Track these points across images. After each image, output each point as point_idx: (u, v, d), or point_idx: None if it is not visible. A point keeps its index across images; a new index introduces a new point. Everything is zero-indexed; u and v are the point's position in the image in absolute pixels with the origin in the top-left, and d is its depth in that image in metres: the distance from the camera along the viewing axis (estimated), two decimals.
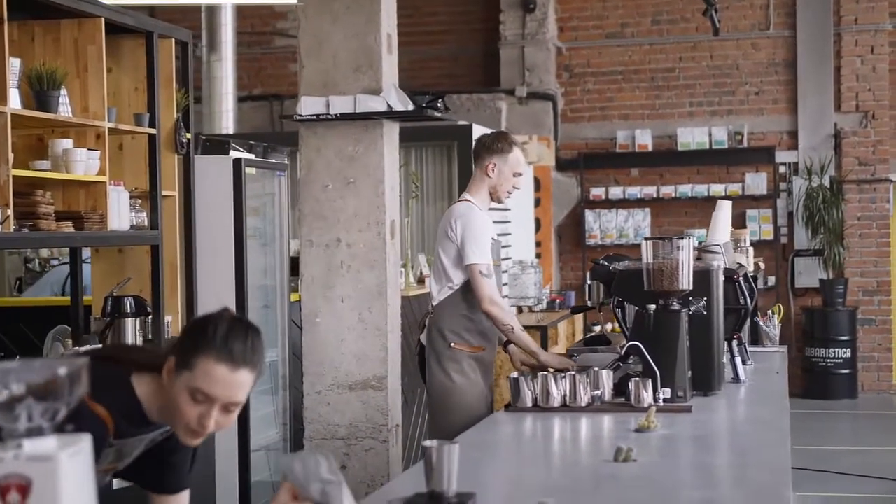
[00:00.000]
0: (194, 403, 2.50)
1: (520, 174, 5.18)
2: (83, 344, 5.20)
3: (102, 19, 5.14)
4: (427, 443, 2.69)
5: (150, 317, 5.52)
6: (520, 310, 10.05)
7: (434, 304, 5.14)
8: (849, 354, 12.05)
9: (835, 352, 12.03)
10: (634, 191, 12.68)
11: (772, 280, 12.36)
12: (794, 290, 12.53)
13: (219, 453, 5.92)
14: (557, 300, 10.65)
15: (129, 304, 5.38)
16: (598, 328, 10.34)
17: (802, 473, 8.24)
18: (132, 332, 5.37)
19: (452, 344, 5.03)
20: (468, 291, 5.04)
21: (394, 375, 5.62)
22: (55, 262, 8.45)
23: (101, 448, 2.56)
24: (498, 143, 5.15)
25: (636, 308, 4.46)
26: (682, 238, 4.33)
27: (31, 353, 5.71)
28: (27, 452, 1.71)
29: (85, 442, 1.78)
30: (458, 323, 5.05)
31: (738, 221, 12.06)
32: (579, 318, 10.63)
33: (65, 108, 4.92)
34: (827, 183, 12.18)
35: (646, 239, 4.38)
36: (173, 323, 5.77)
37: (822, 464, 8.78)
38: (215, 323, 2.53)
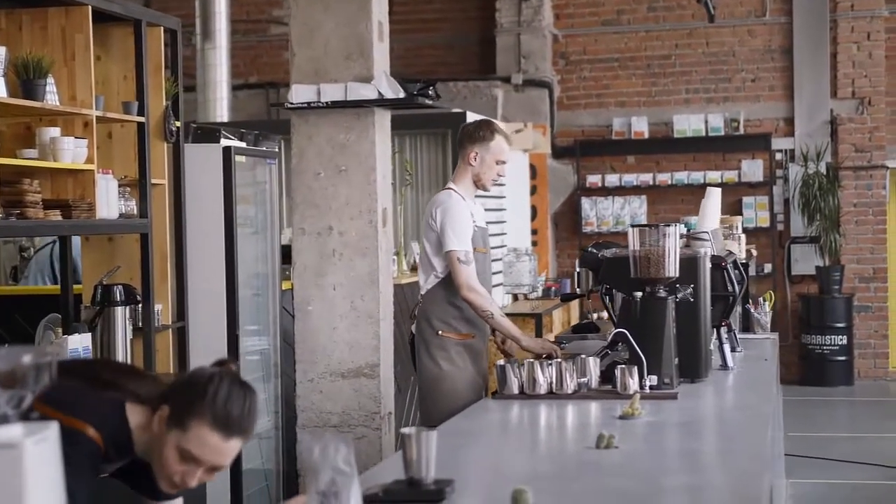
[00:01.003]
0: (181, 461, 2.51)
1: (503, 162, 5.18)
2: (73, 332, 5.20)
3: (89, 7, 5.12)
4: (405, 430, 2.70)
5: (139, 305, 5.52)
6: (515, 297, 10.06)
7: (422, 293, 5.17)
8: (845, 341, 12.05)
9: (831, 339, 12.03)
10: (631, 178, 12.68)
11: (768, 267, 12.36)
12: (791, 277, 12.53)
13: None
14: (553, 288, 10.65)
15: (118, 293, 5.37)
16: (594, 315, 10.34)
17: (796, 460, 8.25)
18: (122, 320, 5.37)
19: (440, 332, 5.05)
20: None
21: (386, 363, 5.62)
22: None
23: (97, 469, 2.56)
24: (479, 131, 5.16)
25: (623, 295, 4.46)
26: (669, 225, 4.33)
27: (27, 341, 5.71)
28: None
29: (51, 430, 1.78)
30: (446, 311, 5.07)
31: (735, 208, 12.06)
32: (575, 305, 10.63)
33: (52, 97, 4.91)
34: (823, 170, 12.18)
35: (632, 226, 4.39)
36: (163, 311, 5.78)
37: (817, 451, 8.79)
38: (216, 385, 2.51)
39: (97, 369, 2.75)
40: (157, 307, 5.70)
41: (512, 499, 2.57)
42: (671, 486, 2.97)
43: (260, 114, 12.72)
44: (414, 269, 8.34)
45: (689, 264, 4.45)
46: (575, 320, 10.41)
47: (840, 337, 12.04)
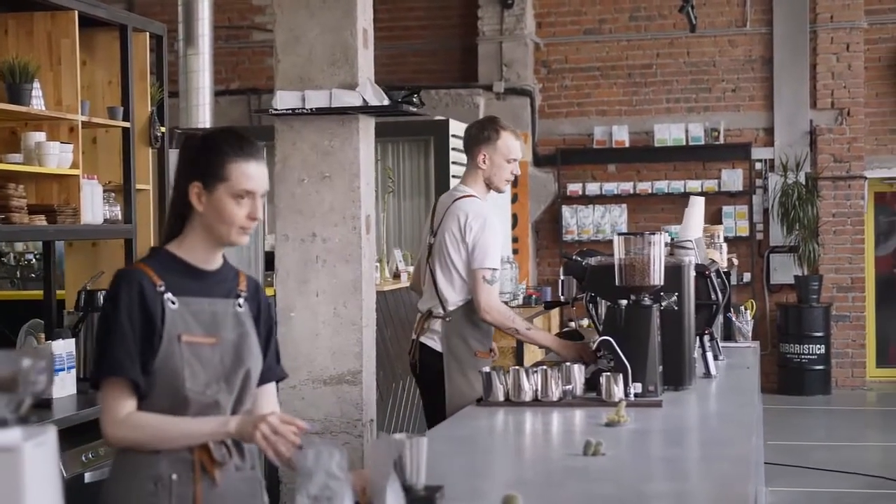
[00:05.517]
0: (240, 205, 2.87)
1: (514, 160, 4.99)
2: (56, 338, 5.17)
3: (76, 12, 5.12)
4: (396, 436, 2.71)
5: None
6: None
7: (449, 308, 4.89)
8: (823, 350, 12.12)
9: (809, 348, 12.10)
10: (611, 187, 12.73)
11: (747, 276, 12.43)
12: (770, 286, 12.60)
13: None
14: (534, 296, 10.66)
15: (102, 298, 5.35)
16: (573, 323, 10.35)
17: (775, 468, 8.29)
18: None
19: (478, 352, 4.89)
20: None
21: (368, 370, 5.63)
22: (30, 257, 8.41)
23: (151, 296, 2.79)
24: (485, 131, 4.97)
25: (608, 303, 4.48)
26: (654, 234, 4.35)
27: (6, 347, 5.68)
28: None
29: (50, 434, 1.79)
30: (484, 330, 4.91)
31: (714, 217, 12.11)
32: (555, 313, 10.65)
33: (38, 101, 4.91)
34: (802, 180, 12.25)
35: (618, 234, 4.41)
36: None
37: (795, 459, 8.83)
38: (220, 138, 2.91)
39: None
40: None
41: None
42: (658, 492, 3.00)
43: (241, 120, 12.72)
44: (397, 276, 8.34)
45: (674, 273, 4.48)
46: (556, 328, 10.43)
47: (818, 346, 12.10)
